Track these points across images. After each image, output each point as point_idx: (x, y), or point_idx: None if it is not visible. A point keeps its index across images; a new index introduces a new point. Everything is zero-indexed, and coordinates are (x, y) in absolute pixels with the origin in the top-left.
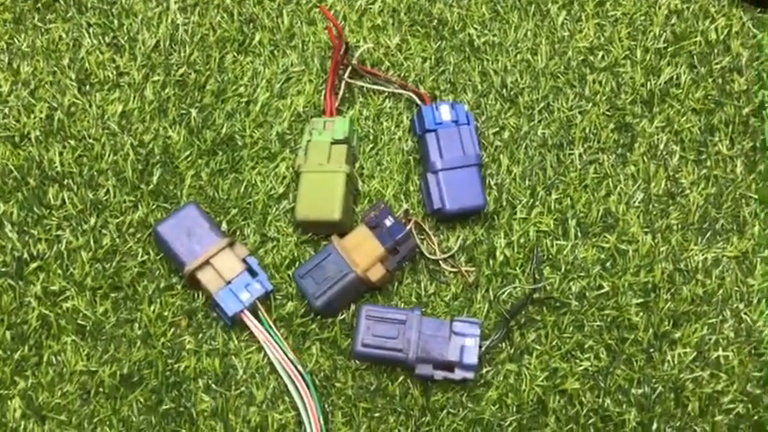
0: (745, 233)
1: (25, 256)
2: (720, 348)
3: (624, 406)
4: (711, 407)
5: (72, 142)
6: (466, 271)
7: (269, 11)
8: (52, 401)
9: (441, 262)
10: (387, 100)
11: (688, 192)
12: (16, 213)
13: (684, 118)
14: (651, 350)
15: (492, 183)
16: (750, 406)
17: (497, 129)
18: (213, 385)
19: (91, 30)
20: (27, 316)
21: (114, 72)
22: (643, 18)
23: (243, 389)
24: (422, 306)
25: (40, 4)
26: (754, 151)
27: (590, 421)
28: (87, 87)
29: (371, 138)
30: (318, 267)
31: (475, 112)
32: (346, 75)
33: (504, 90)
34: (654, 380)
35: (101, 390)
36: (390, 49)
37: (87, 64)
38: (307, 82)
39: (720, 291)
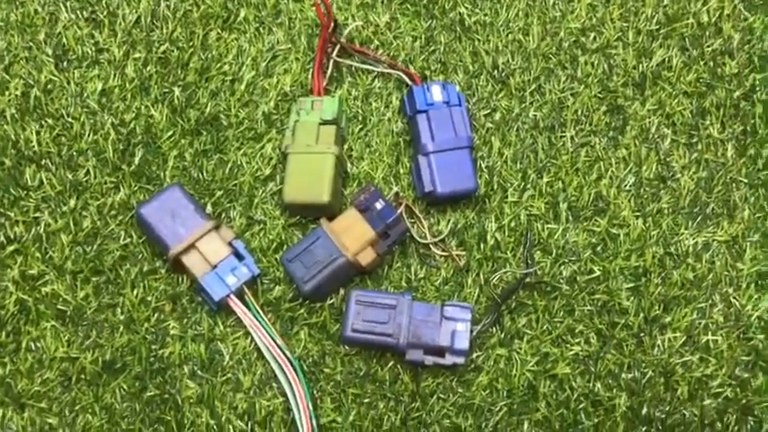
0: (735, 217)
1: (2, 239)
2: (710, 333)
3: (614, 390)
4: (700, 391)
5: (50, 121)
6: (456, 255)
7: None
8: (32, 389)
9: (431, 246)
10: (376, 80)
11: (679, 175)
12: None
13: (676, 101)
14: (641, 335)
15: (483, 165)
16: (738, 390)
17: (489, 110)
18: (199, 371)
19: (68, 4)
20: (4, 301)
21: (93, 48)
22: None
23: (229, 375)
24: (412, 290)
25: None
26: (744, 135)
27: (580, 406)
28: (65, 64)
29: (360, 118)
30: (307, 251)
31: (466, 93)
32: (334, 53)
33: (496, 71)
34: (644, 364)
35: (82, 376)
36: (380, 28)
37: (65, 39)
38: (293, 60)
39: (710, 275)
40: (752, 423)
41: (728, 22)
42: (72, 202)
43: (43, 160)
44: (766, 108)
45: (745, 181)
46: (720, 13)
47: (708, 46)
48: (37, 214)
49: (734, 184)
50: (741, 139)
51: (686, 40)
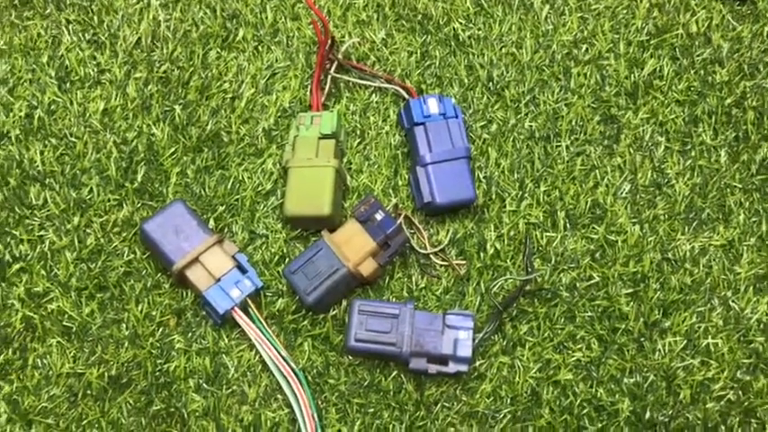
0: (730, 222)
1: (7, 257)
2: (710, 336)
3: (617, 395)
4: (702, 394)
5: (53, 141)
6: (457, 264)
7: (252, 6)
8: (39, 405)
9: (431, 256)
10: (373, 94)
11: (674, 182)
12: None
13: (668, 109)
14: (642, 339)
15: (481, 176)
16: (740, 392)
17: (485, 122)
18: (204, 385)
19: (70, 27)
20: (10, 318)
21: (95, 69)
22: (625, 11)
23: (234, 387)
24: (413, 300)
25: (17, 1)
26: (737, 141)
27: (584, 411)
28: (68, 85)
29: (358, 132)
30: (309, 263)
31: (462, 105)
32: (332, 69)
33: (491, 83)
34: (645, 369)
35: (88, 392)
36: (376, 44)
37: (67, 61)
38: (292, 77)
39: (708, 279)
40: (755, 425)
41: (717, 31)
42: (76, 220)
43: (47, 179)
44: (757, 114)
45: (740, 186)
46: (709, 24)
47: (698, 55)
48: (42, 232)
49: (728, 190)
50: (734, 146)
51: (676, 49)
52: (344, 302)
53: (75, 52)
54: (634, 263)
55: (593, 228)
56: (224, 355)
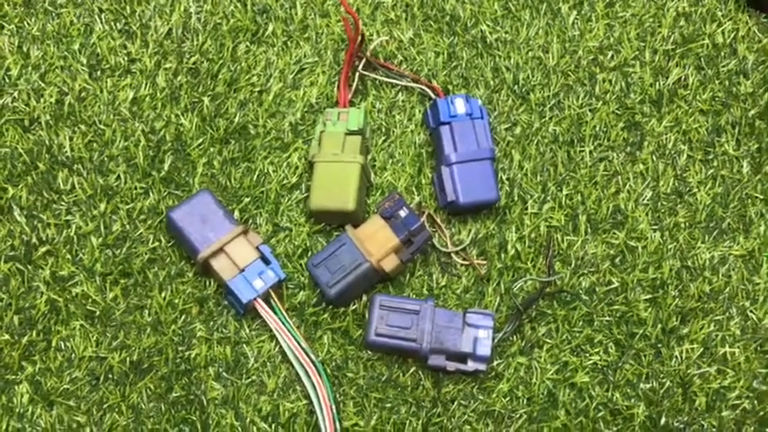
0: (751, 232)
1: (34, 240)
2: (727, 345)
3: (633, 400)
4: (718, 402)
5: (82, 127)
6: (478, 264)
7: (282, 2)
8: (60, 387)
9: (452, 254)
10: (399, 93)
11: (695, 191)
12: (25, 197)
13: (692, 118)
14: (659, 345)
15: (504, 177)
16: (756, 402)
17: (509, 124)
18: (224, 373)
19: (103, 15)
20: (35, 301)
21: (126, 58)
22: (652, 20)
23: (254, 377)
24: (433, 298)
25: None
26: (759, 153)
27: (599, 414)
28: (98, 73)
29: (384, 130)
30: (332, 257)
31: (487, 107)
32: (360, 67)
33: (516, 86)
34: (662, 375)
35: (110, 376)
36: (403, 44)
37: (99, 49)
38: (320, 73)
39: (727, 288)
40: None
41: (743, 43)
42: (102, 206)
43: (75, 165)
44: None
45: (761, 197)
46: (735, 35)
47: (723, 66)
48: (68, 217)
49: (749, 200)
50: (756, 157)
51: (702, 59)
52: (365, 297)
53: (106, 41)
54: (653, 269)
55: (614, 233)
56: (244, 345)
